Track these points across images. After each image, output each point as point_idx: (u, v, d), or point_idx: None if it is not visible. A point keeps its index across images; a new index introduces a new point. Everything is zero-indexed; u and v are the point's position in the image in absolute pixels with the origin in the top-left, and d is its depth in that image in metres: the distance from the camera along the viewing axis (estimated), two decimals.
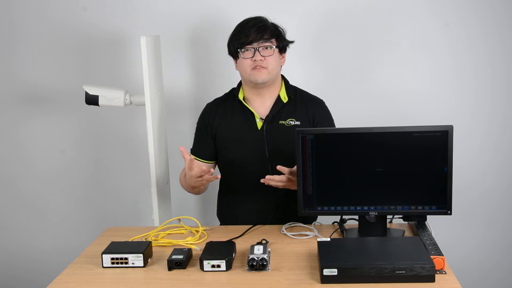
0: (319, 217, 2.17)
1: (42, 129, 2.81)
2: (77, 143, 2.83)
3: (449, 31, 2.58)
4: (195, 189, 2.10)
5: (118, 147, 2.81)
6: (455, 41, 2.59)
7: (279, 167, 1.87)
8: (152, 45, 2.25)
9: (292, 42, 2.13)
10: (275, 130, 2.07)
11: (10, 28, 2.72)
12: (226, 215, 2.24)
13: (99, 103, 2.30)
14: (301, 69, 2.63)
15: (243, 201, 2.14)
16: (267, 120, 2.08)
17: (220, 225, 2.27)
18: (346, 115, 2.59)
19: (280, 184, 1.88)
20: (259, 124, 2.09)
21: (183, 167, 2.77)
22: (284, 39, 2.10)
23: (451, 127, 1.71)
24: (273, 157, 2.05)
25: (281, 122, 2.08)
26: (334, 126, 2.15)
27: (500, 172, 2.71)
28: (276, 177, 1.87)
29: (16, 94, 2.79)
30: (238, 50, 2.03)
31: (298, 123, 2.08)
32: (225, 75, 2.66)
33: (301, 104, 2.12)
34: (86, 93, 2.29)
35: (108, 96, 2.29)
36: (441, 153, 1.72)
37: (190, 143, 2.69)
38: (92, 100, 2.29)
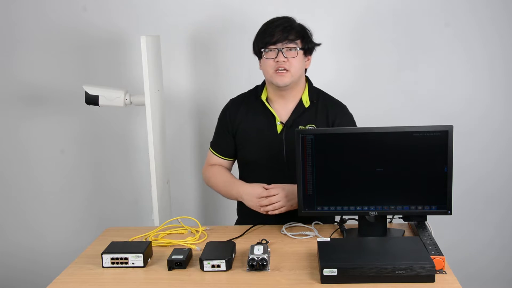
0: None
1: (42, 129, 2.82)
2: (77, 143, 2.83)
3: (449, 31, 2.58)
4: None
5: (118, 147, 2.81)
6: (455, 41, 2.59)
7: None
8: (152, 45, 2.25)
9: (318, 44, 2.07)
10: (294, 135, 2.03)
11: (10, 28, 2.72)
12: (245, 212, 2.18)
13: (99, 103, 2.30)
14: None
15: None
16: (287, 125, 2.04)
17: (237, 220, 2.26)
18: None
19: (278, 205, 1.90)
20: (279, 127, 2.05)
21: (183, 167, 2.78)
22: (310, 41, 2.03)
23: (451, 127, 1.71)
24: (291, 162, 2.01)
25: (300, 127, 2.03)
26: None
27: (500, 171, 2.71)
28: (272, 199, 1.90)
29: (16, 94, 2.79)
30: (262, 49, 1.98)
31: None
32: (225, 75, 2.67)
33: (322, 108, 2.07)
34: (86, 93, 2.29)
35: (108, 96, 2.29)
36: (441, 153, 1.72)
37: (190, 143, 2.70)
38: (92, 100, 2.29)
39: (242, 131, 2.10)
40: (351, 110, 2.12)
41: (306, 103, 2.06)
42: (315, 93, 2.09)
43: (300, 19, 2.04)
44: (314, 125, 2.04)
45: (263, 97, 2.08)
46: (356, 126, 2.11)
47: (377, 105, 2.64)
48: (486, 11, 2.55)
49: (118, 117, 2.76)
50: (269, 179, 2.00)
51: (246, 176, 2.13)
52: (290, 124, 2.04)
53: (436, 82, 2.63)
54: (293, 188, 1.92)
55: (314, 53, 2.03)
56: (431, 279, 1.47)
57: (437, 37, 2.59)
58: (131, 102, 2.32)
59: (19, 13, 2.70)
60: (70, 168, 2.85)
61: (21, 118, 2.82)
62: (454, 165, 1.73)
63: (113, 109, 2.60)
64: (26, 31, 2.71)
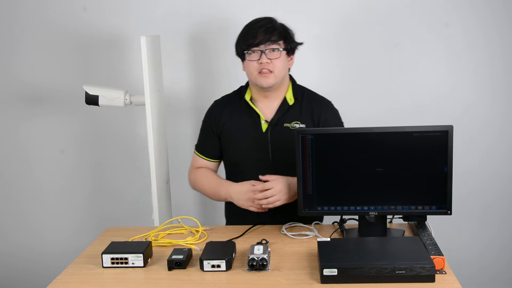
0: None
1: (42, 129, 2.82)
2: (77, 143, 2.83)
3: (449, 31, 2.58)
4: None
5: (118, 147, 2.81)
6: (455, 41, 2.59)
7: (261, 177, 1.91)
8: (152, 45, 2.25)
9: (300, 43, 2.07)
10: (279, 133, 2.03)
11: (10, 28, 2.72)
12: (234, 215, 2.20)
13: (99, 103, 2.30)
14: (297, 71, 2.62)
15: None
16: (272, 123, 2.04)
17: (226, 225, 2.26)
18: (345, 117, 2.59)
19: (273, 199, 1.88)
20: (264, 126, 2.06)
21: (183, 167, 2.77)
22: (293, 41, 2.03)
23: (451, 127, 1.71)
24: (277, 160, 2.03)
25: (285, 125, 2.04)
26: (342, 126, 2.11)
27: (499, 171, 2.71)
28: (267, 193, 1.88)
29: (16, 94, 2.79)
30: (245, 51, 1.98)
31: (303, 126, 2.04)
32: (225, 75, 2.67)
33: (307, 105, 2.07)
34: (86, 93, 2.29)
35: (108, 96, 2.29)
36: (441, 153, 1.72)
37: (190, 143, 2.69)
38: (92, 100, 2.29)
39: (227, 132, 2.11)
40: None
41: (291, 100, 2.06)
42: (299, 90, 2.10)
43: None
44: (299, 122, 2.04)
45: (247, 97, 2.08)
46: (341, 121, 2.11)
47: (377, 105, 2.64)
48: (486, 11, 2.55)
49: (118, 117, 2.76)
50: (255, 179, 2.01)
51: (233, 176, 2.13)
52: (275, 122, 2.04)
53: (436, 82, 2.63)
54: (289, 180, 1.92)
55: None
56: (431, 279, 1.47)
57: (437, 37, 2.59)
58: (131, 102, 2.32)
59: (19, 13, 2.70)
60: (70, 168, 2.85)
61: (21, 118, 2.82)
62: (454, 165, 1.73)
63: (113, 109, 2.60)
64: (26, 31, 2.71)
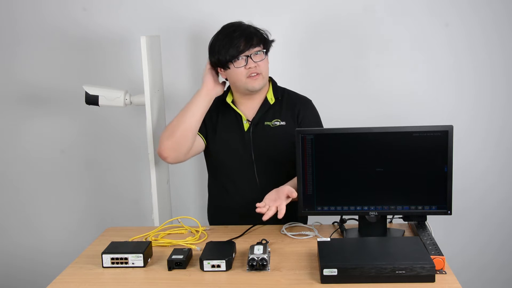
0: (319, 217, 2.16)
1: (42, 129, 2.81)
2: (77, 143, 2.83)
3: (449, 31, 2.58)
4: (188, 122, 1.99)
5: (118, 147, 2.81)
6: (455, 41, 2.59)
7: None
8: (152, 45, 2.25)
9: (273, 41, 2.09)
10: (260, 131, 2.07)
11: (10, 28, 2.72)
12: (215, 215, 2.25)
13: (99, 103, 2.29)
14: (299, 71, 2.62)
15: (233, 200, 2.13)
16: (253, 122, 2.08)
17: (209, 225, 2.26)
18: (346, 117, 2.59)
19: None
20: (246, 126, 2.09)
21: (183, 167, 2.79)
22: (269, 41, 2.07)
23: (451, 127, 1.71)
24: (259, 159, 2.07)
25: (266, 123, 2.08)
26: (321, 124, 2.14)
27: (501, 172, 2.71)
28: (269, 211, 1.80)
29: (16, 94, 2.79)
30: (230, 62, 1.98)
31: (283, 123, 2.07)
32: None
33: (288, 104, 2.11)
34: (86, 93, 2.29)
35: (108, 96, 2.29)
36: (441, 153, 1.72)
37: None
38: (92, 100, 2.29)
39: (211, 132, 2.12)
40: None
41: (271, 100, 2.10)
42: (279, 91, 2.14)
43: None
44: (279, 120, 2.08)
45: (229, 100, 2.11)
46: (319, 119, 2.14)
47: (377, 106, 2.64)
48: (486, 11, 2.55)
49: (118, 117, 2.76)
50: (239, 178, 2.06)
51: (216, 176, 2.17)
52: (257, 121, 2.08)
53: (436, 82, 2.63)
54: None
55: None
56: (431, 279, 1.48)
57: (437, 37, 2.59)
58: (131, 102, 2.32)
59: (19, 13, 2.70)
60: (70, 168, 2.85)
61: (21, 118, 2.82)
62: (454, 165, 1.73)
63: (113, 109, 2.60)
64: (26, 32, 2.71)
